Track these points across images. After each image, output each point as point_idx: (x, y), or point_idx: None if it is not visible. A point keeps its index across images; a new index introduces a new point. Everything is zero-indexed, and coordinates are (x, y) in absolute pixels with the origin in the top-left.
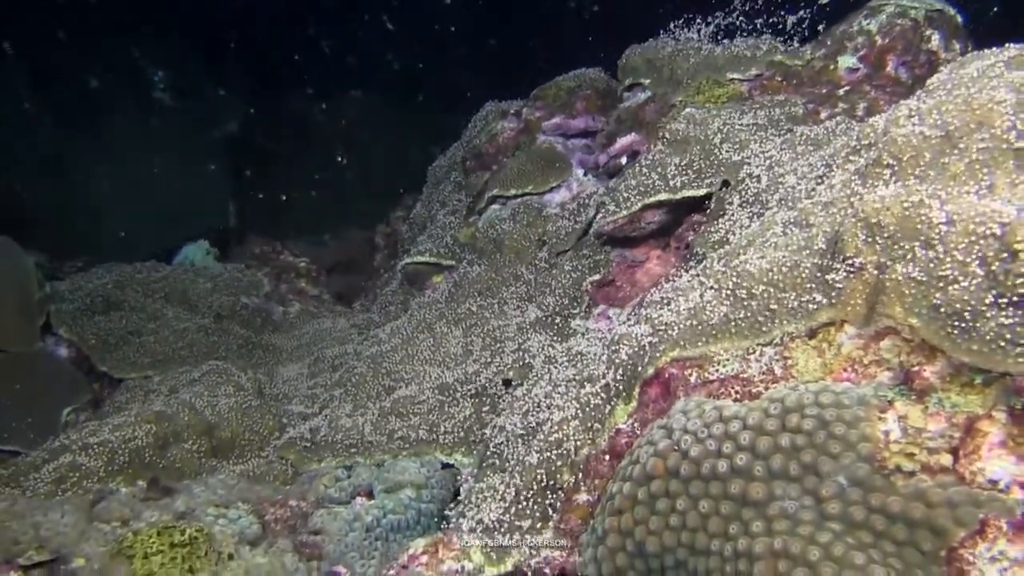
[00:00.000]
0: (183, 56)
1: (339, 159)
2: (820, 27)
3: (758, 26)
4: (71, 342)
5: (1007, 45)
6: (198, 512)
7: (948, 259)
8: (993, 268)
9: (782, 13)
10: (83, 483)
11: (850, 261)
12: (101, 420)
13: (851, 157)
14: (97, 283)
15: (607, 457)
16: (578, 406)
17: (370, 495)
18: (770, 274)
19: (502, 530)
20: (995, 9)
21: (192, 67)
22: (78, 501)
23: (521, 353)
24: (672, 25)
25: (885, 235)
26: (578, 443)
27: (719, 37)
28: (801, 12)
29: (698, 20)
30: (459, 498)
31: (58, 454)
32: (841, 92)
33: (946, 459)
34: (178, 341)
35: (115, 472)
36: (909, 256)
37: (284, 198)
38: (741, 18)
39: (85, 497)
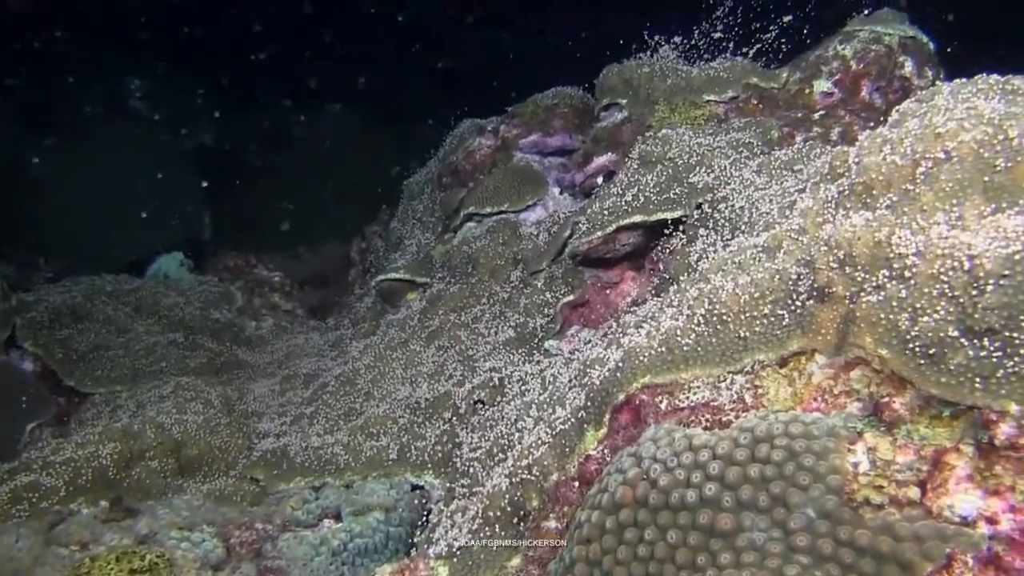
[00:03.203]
0: (159, 64)
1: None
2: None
3: (735, 40)
4: (36, 356)
5: (978, 76)
6: (160, 535)
7: (917, 290)
8: (961, 301)
9: (758, 30)
10: (42, 504)
11: (821, 290)
12: (65, 436)
13: (823, 184)
14: (65, 295)
15: (576, 483)
16: (548, 430)
17: (338, 517)
18: (742, 301)
19: (470, 556)
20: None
21: (169, 76)
22: (35, 524)
23: (493, 373)
24: (650, 42)
25: (856, 265)
26: (548, 468)
27: (698, 51)
28: (776, 30)
29: (675, 38)
30: (428, 521)
31: (17, 473)
32: (816, 116)
33: (914, 492)
34: (147, 355)
35: (77, 492)
36: (879, 286)
37: (261, 208)
38: (719, 33)
39: (43, 519)
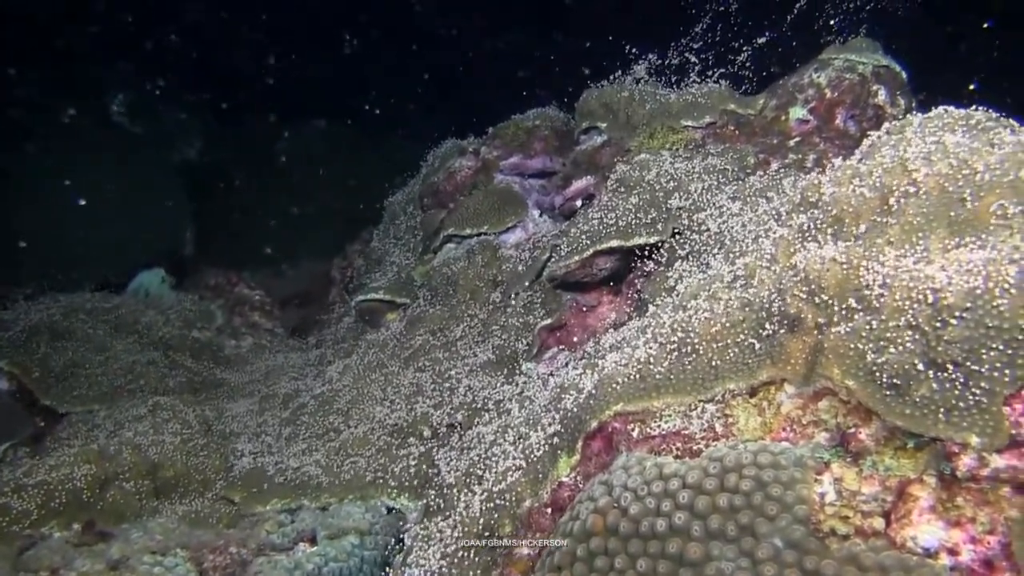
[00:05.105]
0: (144, 78)
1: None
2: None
3: (710, 61)
4: (12, 374)
5: (942, 108)
6: (133, 560)
7: (883, 323)
8: (926, 333)
9: (732, 50)
10: (13, 527)
11: (791, 320)
12: (40, 457)
13: (795, 214)
14: (43, 313)
15: (549, 510)
16: (522, 456)
17: (313, 541)
18: (714, 330)
19: None
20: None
21: (153, 91)
22: (4, 548)
23: (471, 395)
24: (629, 58)
25: (825, 296)
26: (521, 495)
27: (671, 71)
28: (749, 51)
29: (650, 55)
30: (402, 546)
31: None
32: (791, 143)
33: (879, 523)
34: (126, 375)
35: (49, 515)
36: (847, 318)
37: (245, 224)
38: (694, 57)
39: (13, 543)
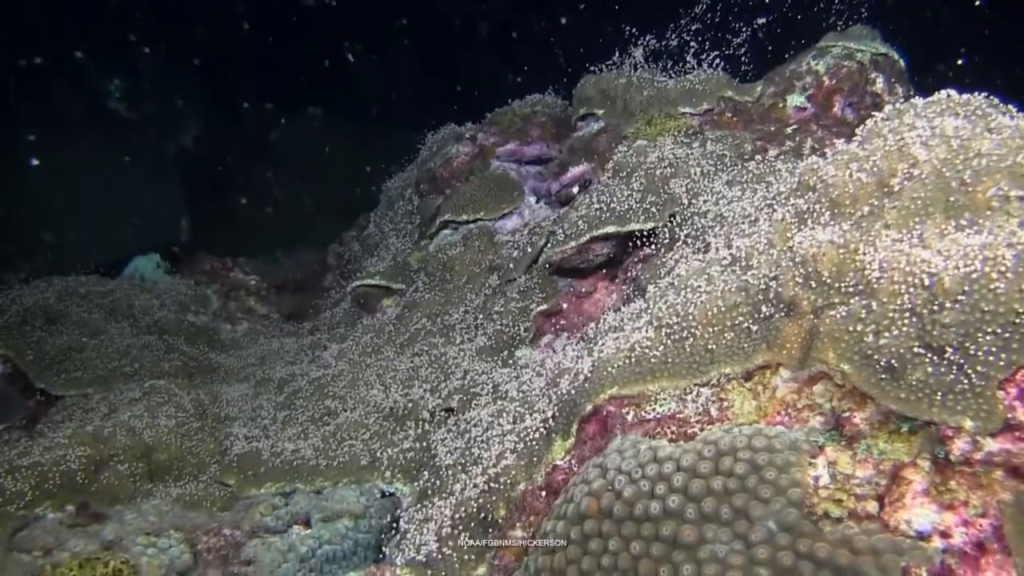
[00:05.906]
0: (141, 66)
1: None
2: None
3: (707, 43)
4: (7, 357)
5: (942, 93)
6: (126, 541)
7: (879, 307)
8: (922, 317)
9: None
10: (7, 508)
11: (787, 304)
12: (34, 440)
13: (792, 198)
14: (38, 296)
15: (543, 493)
16: (517, 439)
17: (307, 524)
18: (710, 314)
19: (436, 565)
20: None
21: (150, 78)
22: None
23: (466, 380)
24: (628, 47)
25: (821, 280)
26: (515, 478)
27: (669, 56)
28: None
29: (649, 38)
30: (396, 528)
31: None
32: (789, 130)
33: (872, 506)
34: (120, 358)
35: (43, 496)
36: (844, 301)
37: (240, 211)
38: (692, 42)
39: (6, 524)
